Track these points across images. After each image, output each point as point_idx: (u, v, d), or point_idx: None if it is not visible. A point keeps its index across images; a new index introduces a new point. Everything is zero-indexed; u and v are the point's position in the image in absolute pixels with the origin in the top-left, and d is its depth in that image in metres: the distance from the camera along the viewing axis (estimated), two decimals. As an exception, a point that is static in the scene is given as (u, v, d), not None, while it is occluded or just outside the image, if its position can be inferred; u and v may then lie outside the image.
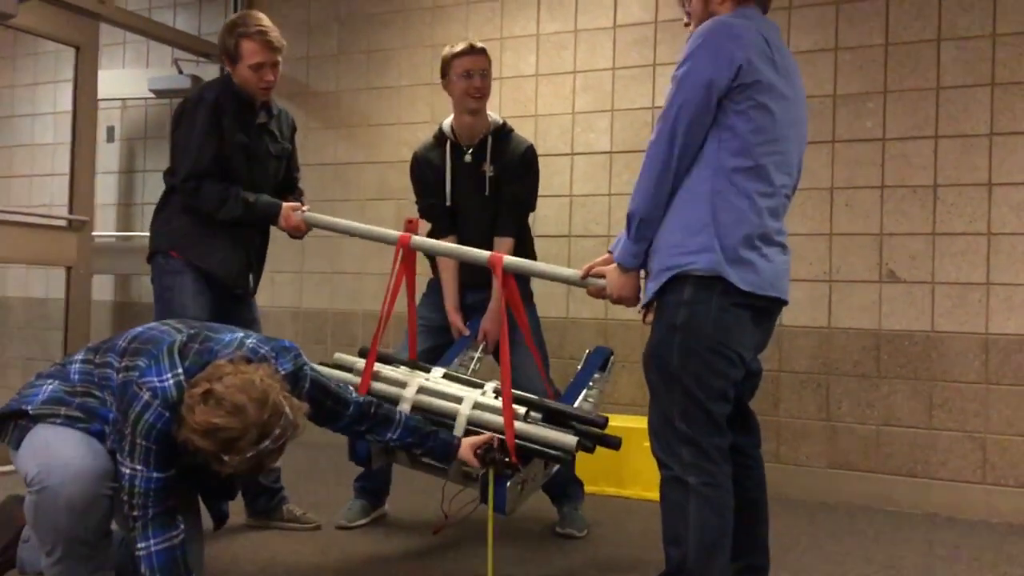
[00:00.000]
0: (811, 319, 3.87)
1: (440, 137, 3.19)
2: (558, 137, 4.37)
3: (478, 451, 2.38)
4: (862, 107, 3.82)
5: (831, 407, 3.83)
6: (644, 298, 2.13)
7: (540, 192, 3.24)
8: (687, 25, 2.14)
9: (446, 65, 3.11)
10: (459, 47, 3.11)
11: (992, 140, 3.62)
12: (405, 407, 2.53)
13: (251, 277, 3.13)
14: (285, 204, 3.00)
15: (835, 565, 2.90)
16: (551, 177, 3.36)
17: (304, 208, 3.02)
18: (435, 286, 3.22)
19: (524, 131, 3.28)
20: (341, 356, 2.78)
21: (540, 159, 3.22)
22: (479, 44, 3.13)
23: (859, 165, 3.82)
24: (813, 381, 3.87)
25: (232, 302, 3.06)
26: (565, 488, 3.14)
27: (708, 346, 1.98)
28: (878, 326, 3.76)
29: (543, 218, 3.37)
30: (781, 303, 2.13)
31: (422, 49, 4.72)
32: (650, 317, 2.11)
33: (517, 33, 4.50)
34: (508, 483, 2.38)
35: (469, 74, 3.06)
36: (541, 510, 3.21)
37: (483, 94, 3.09)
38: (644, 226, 2.05)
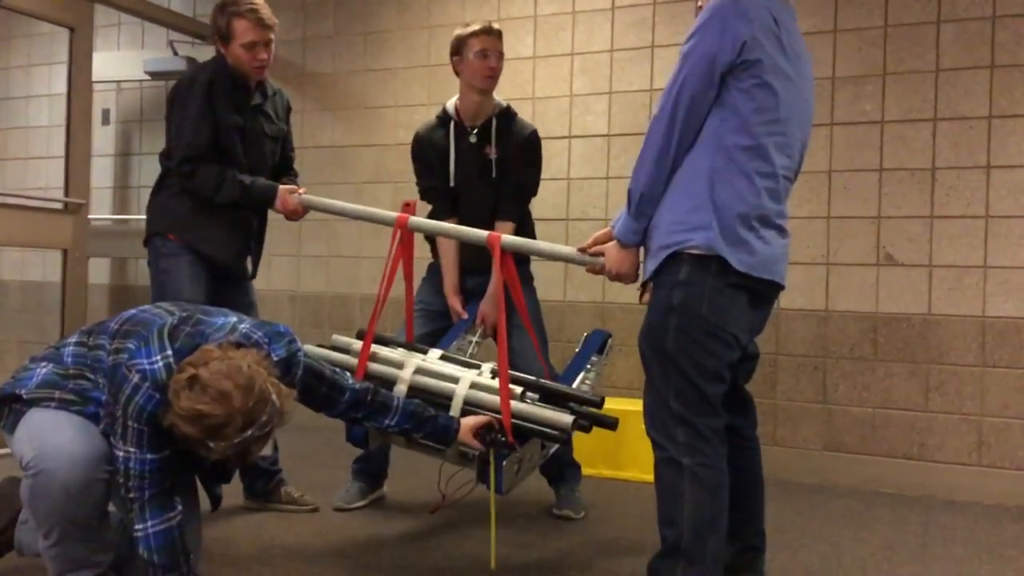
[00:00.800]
0: (808, 302, 3.87)
1: (444, 117, 3.17)
2: (555, 120, 4.35)
3: (479, 431, 2.38)
4: (861, 90, 3.81)
5: (828, 390, 3.84)
6: (643, 276, 2.12)
7: (537, 175, 3.22)
8: (700, 7, 2.11)
9: (460, 43, 3.08)
10: (476, 26, 3.09)
11: (991, 123, 3.61)
12: (402, 388, 2.52)
13: (249, 260, 3.12)
14: (281, 187, 2.99)
15: (831, 547, 2.91)
16: (548, 160, 3.35)
17: (301, 191, 3.01)
18: (435, 270, 3.21)
19: (521, 114, 3.26)
20: (338, 338, 2.78)
21: (537, 142, 3.20)
22: (496, 26, 3.12)
23: (857, 148, 3.81)
24: (810, 364, 3.87)
25: (229, 286, 3.04)
26: (563, 470, 3.15)
27: (704, 327, 1.98)
28: (875, 309, 3.76)
29: (541, 201, 3.37)
30: (778, 287, 2.12)
31: (419, 31, 4.69)
32: (647, 297, 2.11)
33: (515, 14, 4.47)
34: (504, 462, 2.38)
35: (485, 53, 3.04)
36: (538, 492, 3.22)
37: (496, 75, 3.09)
38: (645, 202, 2.04)
